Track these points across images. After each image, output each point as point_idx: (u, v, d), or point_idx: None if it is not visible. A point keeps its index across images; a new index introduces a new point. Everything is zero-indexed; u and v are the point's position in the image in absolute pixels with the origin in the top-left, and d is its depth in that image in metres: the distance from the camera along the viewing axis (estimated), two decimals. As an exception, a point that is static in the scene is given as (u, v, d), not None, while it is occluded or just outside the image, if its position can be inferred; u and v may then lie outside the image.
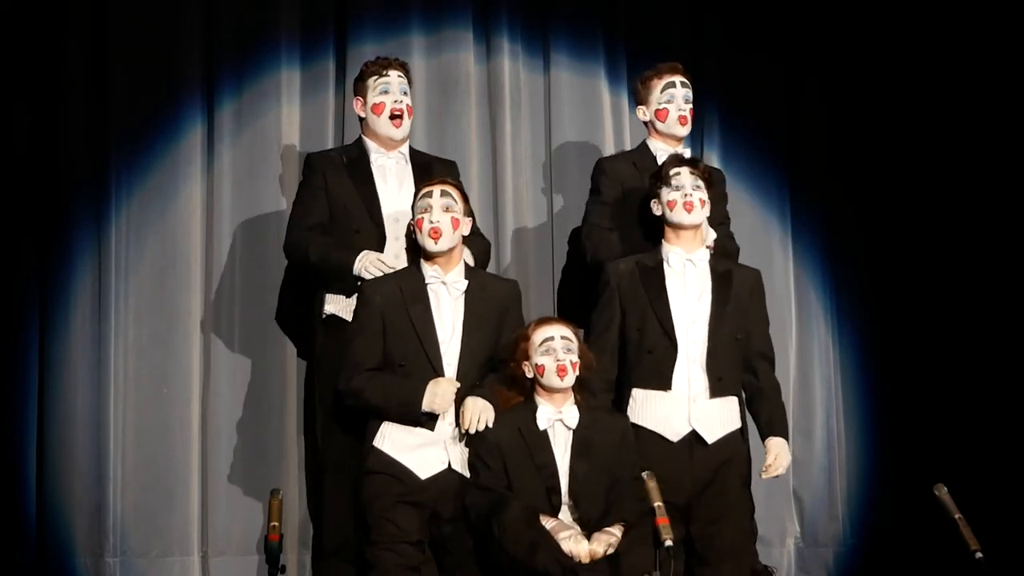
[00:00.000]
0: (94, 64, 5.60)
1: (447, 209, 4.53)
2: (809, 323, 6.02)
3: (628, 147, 5.96)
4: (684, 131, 5.10)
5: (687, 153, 5.09)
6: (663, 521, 3.98)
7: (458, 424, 4.47)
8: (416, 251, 4.64)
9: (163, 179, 5.62)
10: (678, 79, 5.09)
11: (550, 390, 4.48)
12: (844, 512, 5.94)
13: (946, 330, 5.91)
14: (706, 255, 4.73)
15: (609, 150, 5.92)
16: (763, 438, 4.69)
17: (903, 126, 6.05)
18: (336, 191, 4.91)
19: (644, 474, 4.16)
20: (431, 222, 4.51)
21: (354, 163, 4.95)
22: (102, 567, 5.37)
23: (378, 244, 4.86)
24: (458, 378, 4.49)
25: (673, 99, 5.07)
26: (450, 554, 4.51)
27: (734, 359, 4.68)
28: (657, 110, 5.09)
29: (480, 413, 4.43)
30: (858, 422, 6.01)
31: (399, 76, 4.95)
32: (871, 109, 6.07)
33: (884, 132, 6.06)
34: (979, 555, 4.18)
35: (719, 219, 5.05)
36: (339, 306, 4.86)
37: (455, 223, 4.54)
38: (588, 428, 4.48)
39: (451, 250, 4.55)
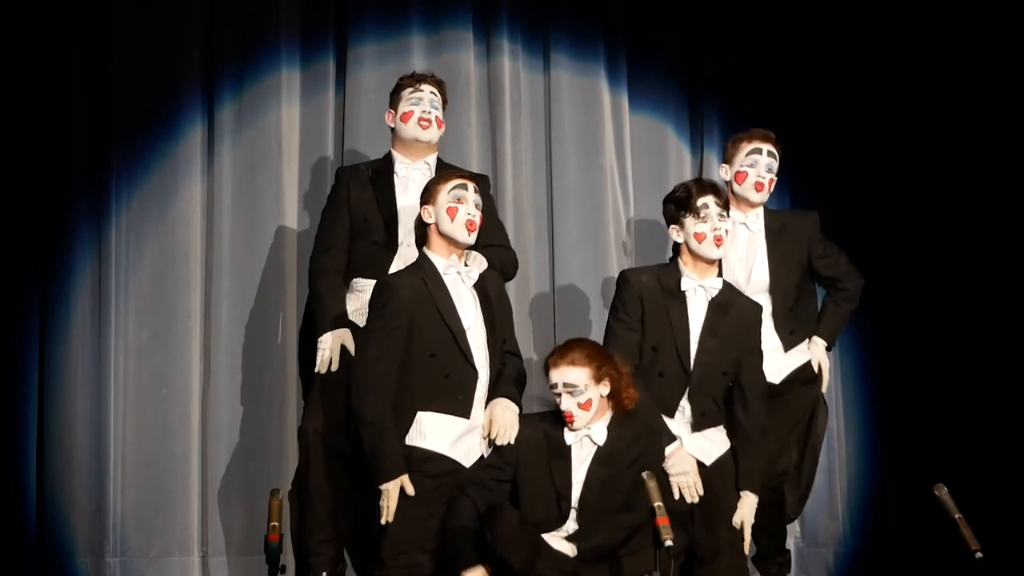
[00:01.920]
0: (94, 64, 5.61)
1: (478, 206, 4.57)
2: (809, 323, 6.01)
3: (628, 147, 5.97)
4: (758, 198, 5.00)
5: (758, 218, 5.03)
6: (663, 521, 3.97)
7: (485, 433, 4.50)
8: (422, 240, 4.63)
9: (163, 179, 5.62)
10: (766, 148, 5.01)
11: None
12: (844, 512, 5.94)
13: (946, 330, 5.91)
14: (717, 284, 4.69)
15: (609, 150, 5.93)
16: (737, 488, 4.69)
17: (903, 131, 6.05)
18: (357, 203, 4.92)
19: (644, 474, 4.15)
20: (468, 214, 4.53)
21: (379, 174, 4.97)
22: (102, 567, 5.37)
23: (391, 257, 4.86)
24: (490, 365, 4.53)
25: (756, 164, 4.98)
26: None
27: (719, 393, 4.68)
28: (738, 172, 5.01)
29: (507, 429, 4.46)
30: (858, 422, 6.01)
31: (432, 92, 4.97)
32: (871, 115, 6.07)
33: (884, 137, 6.06)
34: (979, 555, 4.18)
35: (838, 270, 5.10)
36: (351, 307, 4.87)
37: (482, 221, 4.60)
38: (616, 440, 4.46)
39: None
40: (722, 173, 5.09)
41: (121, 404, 5.46)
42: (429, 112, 4.92)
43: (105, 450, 5.42)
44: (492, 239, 4.86)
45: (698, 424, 4.64)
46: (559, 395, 4.43)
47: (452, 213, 4.52)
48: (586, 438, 4.45)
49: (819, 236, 5.10)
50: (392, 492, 4.38)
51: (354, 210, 4.92)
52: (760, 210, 5.05)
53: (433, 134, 4.94)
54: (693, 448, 4.61)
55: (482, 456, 4.50)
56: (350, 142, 5.71)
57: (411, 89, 4.96)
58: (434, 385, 4.46)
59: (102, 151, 5.58)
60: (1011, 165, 5.89)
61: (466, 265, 4.61)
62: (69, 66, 5.58)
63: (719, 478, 4.63)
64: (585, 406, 4.42)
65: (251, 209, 5.66)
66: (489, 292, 4.61)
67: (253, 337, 5.59)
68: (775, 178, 5.04)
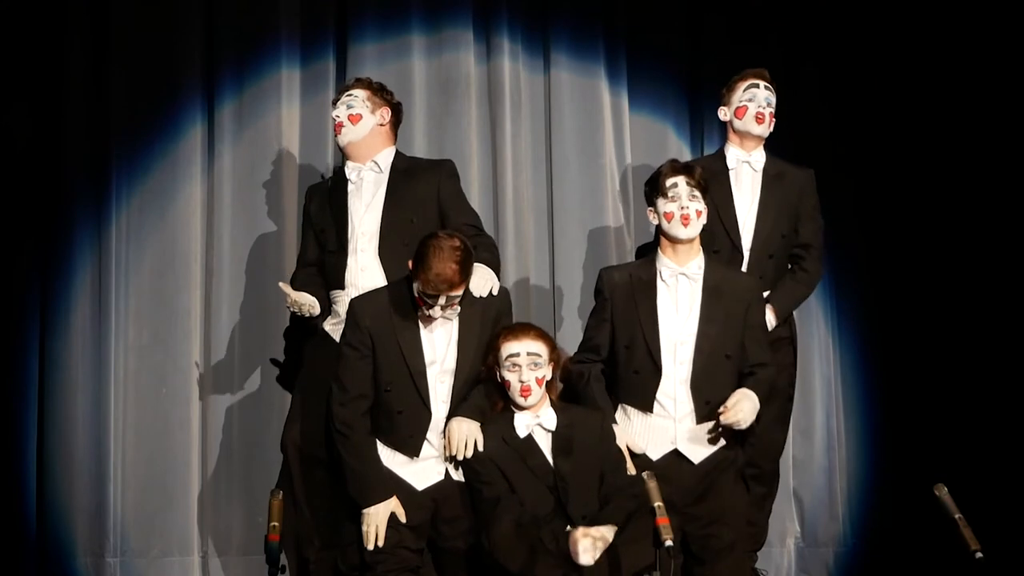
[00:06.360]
0: (94, 64, 5.62)
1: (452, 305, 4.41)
2: (809, 323, 6.00)
3: (628, 147, 5.96)
4: (760, 130, 5.06)
5: (762, 157, 5.08)
6: (663, 521, 3.98)
7: (448, 453, 4.47)
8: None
9: (163, 179, 5.63)
10: (762, 83, 5.09)
11: (516, 404, 4.48)
12: (844, 512, 5.94)
13: (946, 330, 5.91)
14: (701, 267, 4.66)
15: (609, 150, 5.92)
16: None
17: (903, 125, 6.04)
18: (316, 219, 4.97)
19: (644, 474, 4.15)
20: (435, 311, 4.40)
21: (337, 183, 4.98)
22: (102, 567, 5.38)
23: (344, 263, 4.84)
24: (452, 399, 4.48)
25: (754, 98, 5.06)
26: (448, 555, 4.52)
27: (724, 379, 4.59)
28: (737, 108, 5.08)
29: (466, 437, 4.43)
30: (858, 422, 6.00)
31: (347, 94, 4.98)
32: (871, 109, 6.07)
33: (884, 132, 6.05)
34: (979, 555, 4.18)
35: (810, 239, 5.07)
36: (331, 322, 4.88)
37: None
38: (567, 427, 4.46)
39: None
40: (720, 115, 5.16)
41: (121, 404, 5.47)
42: (339, 115, 4.94)
43: (105, 450, 5.43)
44: (464, 221, 4.83)
45: (702, 415, 4.56)
46: (518, 366, 4.41)
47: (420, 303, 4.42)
48: (538, 427, 4.45)
49: (813, 191, 5.13)
50: (382, 515, 4.38)
51: (315, 225, 4.96)
52: (762, 150, 5.09)
53: (346, 136, 4.93)
54: (683, 442, 4.57)
55: (448, 477, 4.48)
56: (349, 142, 5.71)
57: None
58: (388, 419, 4.47)
59: (102, 151, 5.59)
60: (1014, 162, 5.88)
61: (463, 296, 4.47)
62: (69, 66, 5.59)
63: (717, 478, 4.60)
64: (540, 381, 4.44)
65: (251, 209, 5.67)
66: (482, 319, 4.51)
67: (253, 337, 5.59)
68: (774, 113, 5.07)
